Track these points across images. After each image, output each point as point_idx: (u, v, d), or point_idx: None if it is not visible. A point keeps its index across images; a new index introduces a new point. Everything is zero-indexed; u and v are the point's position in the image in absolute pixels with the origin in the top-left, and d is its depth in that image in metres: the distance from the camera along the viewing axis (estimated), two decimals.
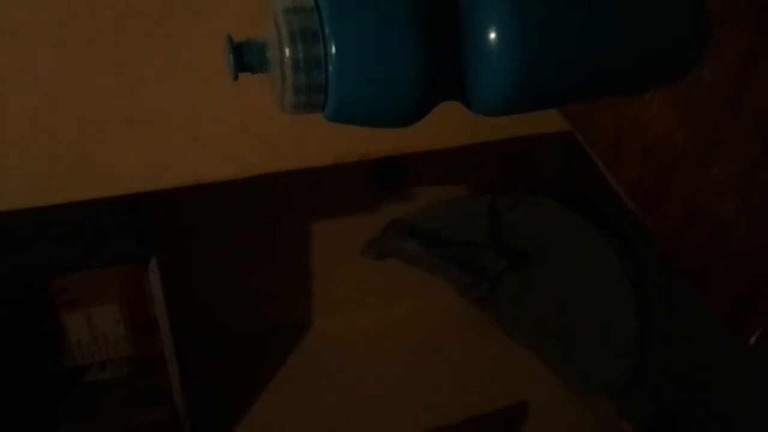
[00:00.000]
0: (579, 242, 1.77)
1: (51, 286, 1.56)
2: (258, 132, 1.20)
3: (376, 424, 1.75)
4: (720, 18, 0.55)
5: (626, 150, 0.69)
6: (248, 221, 1.80)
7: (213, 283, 1.85)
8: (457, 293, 1.89)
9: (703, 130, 0.59)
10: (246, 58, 0.51)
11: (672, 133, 0.62)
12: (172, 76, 1.12)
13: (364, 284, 1.95)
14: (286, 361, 1.89)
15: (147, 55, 1.09)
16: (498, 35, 0.49)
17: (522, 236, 1.85)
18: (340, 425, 1.75)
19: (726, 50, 0.55)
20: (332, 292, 1.97)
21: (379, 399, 1.80)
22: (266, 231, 1.83)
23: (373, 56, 0.48)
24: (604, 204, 1.77)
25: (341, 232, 1.87)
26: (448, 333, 1.96)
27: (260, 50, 0.51)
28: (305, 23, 0.48)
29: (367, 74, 0.48)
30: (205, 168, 1.20)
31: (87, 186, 1.17)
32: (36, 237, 1.43)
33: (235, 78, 0.52)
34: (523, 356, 1.88)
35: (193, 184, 1.21)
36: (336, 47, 0.48)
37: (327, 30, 0.47)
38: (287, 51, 0.48)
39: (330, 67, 0.48)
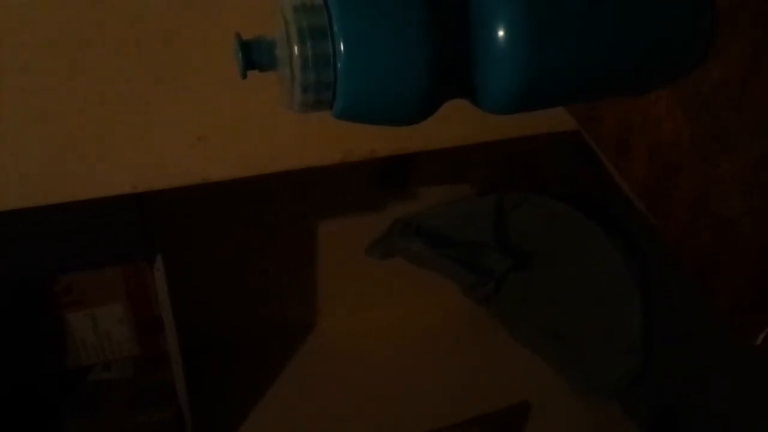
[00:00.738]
0: (583, 242, 1.77)
1: (55, 285, 1.56)
2: (263, 131, 1.20)
3: (380, 424, 1.75)
4: (727, 16, 0.55)
5: (633, 149, 0.69)
6: (253, 220, 1.80)
7: (217, 283, 1.85)
8: (461, 293, 1.89)
9: (709, 130, 0.59)
10: (255, 56, 0.51)
11: (679, 132, 0.62)
12: (178, 75, 1.12)
13: (369, 284, 1.95)
14: (291, 360, 1.89)
15: (152, 54, 1.09)
16: (506, 32, 0.50)
17: (527, 236, 1.85)
18: (343, 424, 1.75)
19: (733, 49, 0.55)
20: (336, 292, 1.97)
21: (382, 398, 1.80)
22: (270, 230, 1.83)
23: (381, 54, 0.48)
24: (609, 204, 1.77)
25: (346, 231, 1.87)
26: (452, 332, 1.96)
27: (269, 48, 0.51)
28: (314, 21, 0.48)
29: (376, 72, 0.48)
30: (209, 167, 1.20)
31: (92, 185, 1.17)
32: (40, 236, 1.43)
33: (244, 76, 0.52)
34: (527, 356, 1.88)
35: (197, 183, 1.21)
36: (345, 45, 0.48)
37: (336, 28, 0.48)
38: (296, 49, 0.48)
39: (339, 65, 0.48)
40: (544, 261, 1.85)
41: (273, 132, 1.20)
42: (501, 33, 0.50)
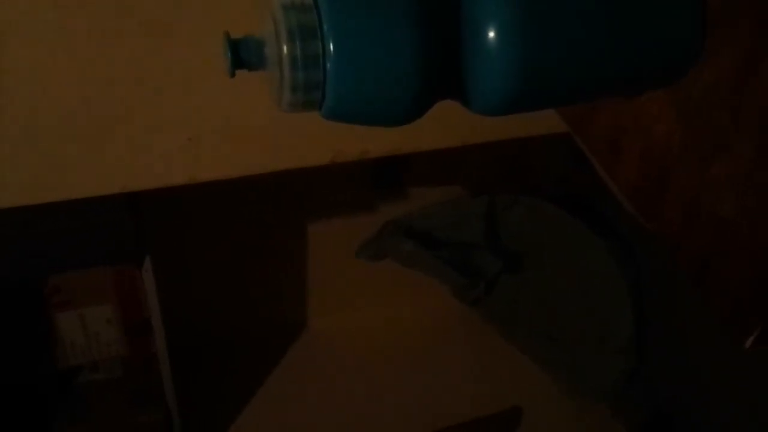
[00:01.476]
0: (576, 244, 1.77)
1: (44, 285, 1.55)
2: (254, 131, 1.19)
3: (370, 426, 1.75)
4: (720, 18, 0.55)
5: (624, 151, 0.69)
6: (244, 221, 1.80)
7: (208, 283, 1.84)
8: (452, 294, 1.89)
9: (702, 131, 0.59)
10: (243, 55, 0.51)
11: (671, 134, 0.62)
12: (167, 74, 1.11)
13: (360, 284, 1.95)
14: (282, 361, 1.89)
15: (142, 53, 1.09)
16: (498, 34, 0.49)
17: (518, 238, 1.85)
18: (333, 425, 1.75)
19: (726, 50, 0.55)
20: (328, 293, 1.97)
21: (373, 400, 1.80)
22: (262, 230, 1.83)
23: (371, 54, 0.48)
24: (602, 205, 1.77)
25: (338, 231, 1.86)
26: (444, 334, 1.96)
27: (258, 47, 0.51)
28: (304, 20, 0.47)
29: (366, 72, 0.48)
30: (200, 167, 1.20)
31: (81, 184, 1.16)
32: (29, 236, 1.43)
33: (232, 75, 0.51)
34: (519, 358, 1.88)
35: (188, 183, 1.20)
36: (334, 44, 0.47)
37: (325, 27, 0.47)
38: (285, 48, 0.48)
39: (328, 65, 0.48)
40: (536, 263, 1.85)
41: (263, 132, 1.19)
42: (492, 34, 0.49)
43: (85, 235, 1.46)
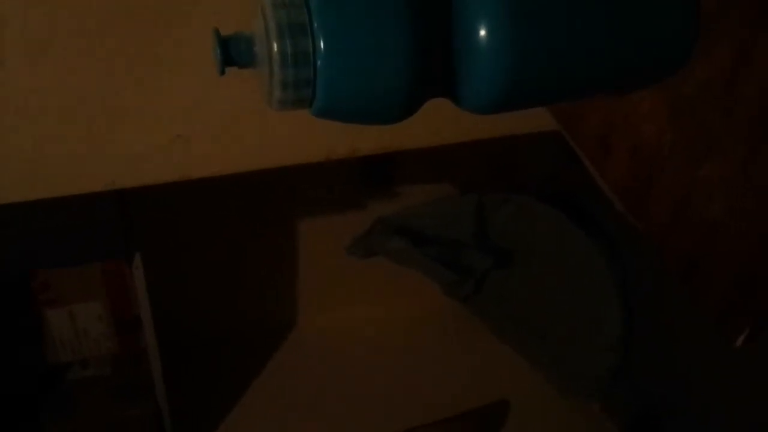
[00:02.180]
0: (564, 241, 1.77)
1: (33, 282, 1.55)
2: (243, 128, 1.19)
3: (361, 422, 1.75)
4: (712, 16, 0.55)
5: (614, 149, 0.69)
6: (234, 218, 1.80)
7: (198, 280, 1.84)
8: (442, 292, 1.89)
9: (692, 130, 0.59)
10: (233, 52, 0.50)
11: (661, 132, 0.62)
12: (157, 72, 1.11)
13: (350, 282, 1.95)
14: (272, 358, 1.89)
15: (131, 51, 1.08)
16: (489, 32, 0.49)
17: (508, 235, 1.85)
18: (324, 423, 1.75)
19: (718, 49, 0.55)
20: (318, 290, 1.96)
21: (364, 397, 1.80)
22: (252, 228, 1.82)
23: (362, 51, 0.48)
24: (591, 203, 1.77)
25: (328, 229, 1.86)
26: (434, 331, 1.96)
27: (248, 44, 0.50)
28: (294, 17, 0.47)
29: (356, 69, 0.48)
30: (189, 164, 1.19)
31: (70, 181, 1.16)
32: (18, 232, 1.42)
33: (222, 73, 0.51)
34: (509, 355, 1.88)
35: (177, 180, 1.20)
36: (324, 42, 0.47)
37: (315, 24, 0.47)
38: (275, 45, 0.47)
39: (318, 62, 0.47)
40: (525, 260, 1.85)
41: (253, 130, 1.19)
42: (483, 32, 0.49)
43: (75, 231, 1.46)
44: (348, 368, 1.86)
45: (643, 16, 0.54)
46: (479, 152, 1.81)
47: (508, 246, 1.85)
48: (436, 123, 1.11)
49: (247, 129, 1.19)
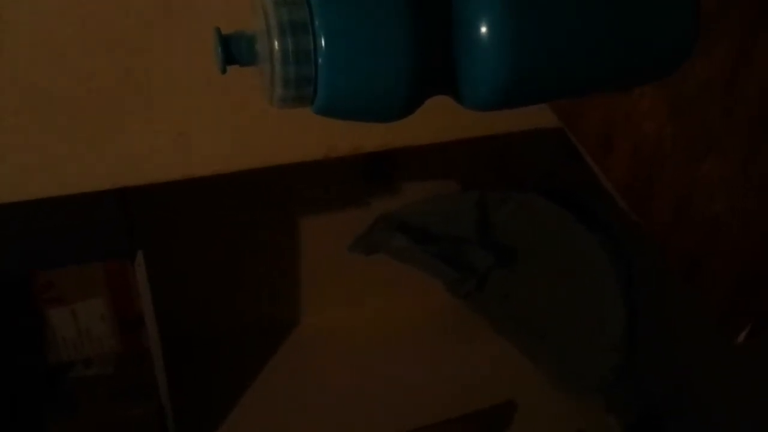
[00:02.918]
0: (567, 239, 1.77)
1: (36, 281, 1.55)
2: (245, 126, 1.19)
3: (363, 422, 1.75)
4: (712, 16, 0.55)
5: (616, 147, 0.69)
6: (236, 216, 1.80)
7: (200, 278, 1.84)
8: (445, 289, 1.89)
9: (693, 128, 0.59)
10: (234, 50, 0.50)
11: (662, 130, 0.62)
12: (158, 69, 1.11)
13: (353, 280, 1.95)
14: (274, 357, 1.89)
15: (133, 49, 1.09)
16: (490, 29, 0.49)
17: (510, 232, 1.85)
18: (326, 421, 1.75)
19: (718, 47, 0.55)
20: (320, 288, 1.97)
21: (365, 395, 1.80)
22: (254, 226, 1.82)
23: (363, 49, 0.48)
24: (593, 200, 1.77)
25: (329, 227, 1.86)
26: (436, 329, 1.96)
27: (249, 43, 0.50)
28: (295, 15, 0.47)
29: (357, 67, 0.48)
30: (191, 163, 1.20)
31: (72, 180, 1.16)
32: (22, 231, 1.42)
33: (223, 71, 0.51)
34: (511, 353, 1.88)
35: (178, 179, 1.20)
36: (326, 39, 0.47)
37: (317, 22, 0.47)
38: (276, 43, 0.47)
39: (319, 60, 0.47)
40: (528, 258, 1.85)
41: (254, 128, 1.19)
42: (484, 30, 0.49)
43: (78, 231, 1.46)
44: (350, 367, 1.86)
45: (643, 14, 0.54)
46: (480, 149, 1.81)
47: (510, 243, 1.85)
48: (437, 120, 1.11)
49: (248, 127, 1.19)
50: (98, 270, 1.58)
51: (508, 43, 0.50)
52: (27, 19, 1.02)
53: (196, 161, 1.20)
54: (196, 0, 1.07)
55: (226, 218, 1.79)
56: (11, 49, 1.03)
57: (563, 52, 0.53)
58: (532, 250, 1.84)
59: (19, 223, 1.40)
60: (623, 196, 0.70)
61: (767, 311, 0.56)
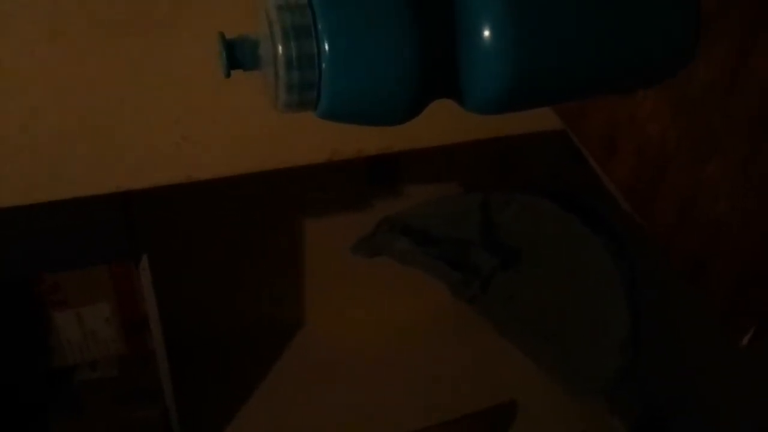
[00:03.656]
0: (571, 241, 1.77)
1: (41, 284, 1.55)
2: (249, 130, 1.19)
3: (367, 423, 1.75)
4: (712, 16, 0.55)
5: (619, 149, 0.69)
6: (240, 219, 1.80)
7: (205, 281, 1.84)
8: (449, 292, 1.89)
9: (696, 129, 0.59)
10: (238, 55, 0.51)
11: (666, 131, 0.62)
12: (162, 74, 1.11)
13: (356, 282, 1.95)
14: (278, 359, 1.89)
15: (136, 53, 1.09)
16: (493, 33, 0.49)
17: (514, 235, 1.85)
18: (330, 424, 1.75)
19: (720, 48, 0.55)
20: (324, 291, 1.97)
21: (369, 397, 1.80)
22: (258, 229, 1.83)
23: (366, 54, 0.48)
24: (597, 203, 1.77)
25: (333, 229, 1.86)
26: (440, 331, 1.96)
27: (253, 47, 0.51)
28: (298, 20, 0.47)
29: (360, 72, 0.48)
30: (194, 166, 1.20)
31: (76, 184, 1.16)
32: (26, 235, 1.42)
33: (228, 76, 0.51)
34: (514, 354, 1.88)
35: (182, 182, 1.20)
36: (329, 44, 0.47)
37: (320, 27, 0.47)
38: (280, 48, 0.48)
39: (323, 65, 0.48)
40: (532, 260, 1.85)
41: (258, 131, 1.19)
42: (486, 34, 0.49)
43: (82, 234, 1.46)
44: (354, 368, 1.87)
45: (644, 17, 0.54)
46: (483, 152, 1.81)
47: (514, 245, 1.85)
48: (440, 123, 1.11)
49: (252, 131, 1.19)
50: (103, 273, 1.58)
51: (510, 47, 0.50)
52: (32, 22, 1.02)
53: (200, 164, 1.20)
54: (203, 2, 1.07)
55: (230, 221, 1.79)
56: (17, 53, 1.03)
57: (566, 54, 0.53)
58: (535, 252, 1.84)
59: (24, 226, 1.40)
60: (627, 198, 0.70)
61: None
